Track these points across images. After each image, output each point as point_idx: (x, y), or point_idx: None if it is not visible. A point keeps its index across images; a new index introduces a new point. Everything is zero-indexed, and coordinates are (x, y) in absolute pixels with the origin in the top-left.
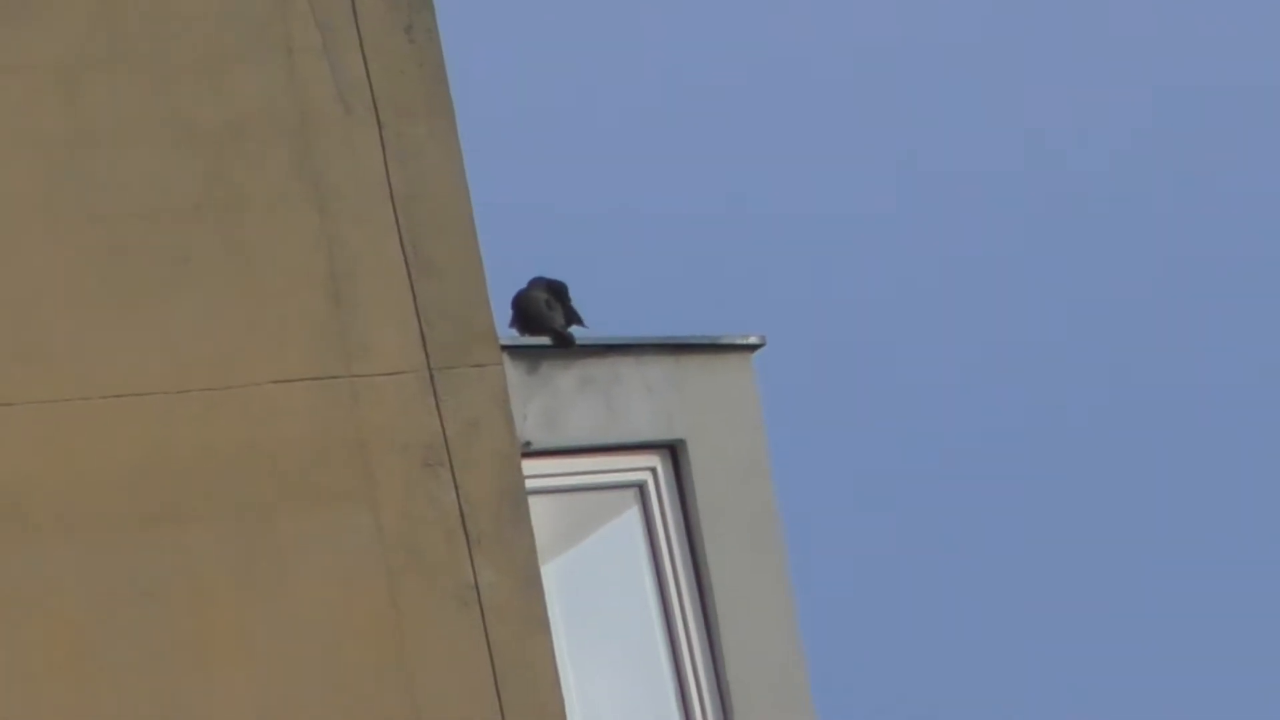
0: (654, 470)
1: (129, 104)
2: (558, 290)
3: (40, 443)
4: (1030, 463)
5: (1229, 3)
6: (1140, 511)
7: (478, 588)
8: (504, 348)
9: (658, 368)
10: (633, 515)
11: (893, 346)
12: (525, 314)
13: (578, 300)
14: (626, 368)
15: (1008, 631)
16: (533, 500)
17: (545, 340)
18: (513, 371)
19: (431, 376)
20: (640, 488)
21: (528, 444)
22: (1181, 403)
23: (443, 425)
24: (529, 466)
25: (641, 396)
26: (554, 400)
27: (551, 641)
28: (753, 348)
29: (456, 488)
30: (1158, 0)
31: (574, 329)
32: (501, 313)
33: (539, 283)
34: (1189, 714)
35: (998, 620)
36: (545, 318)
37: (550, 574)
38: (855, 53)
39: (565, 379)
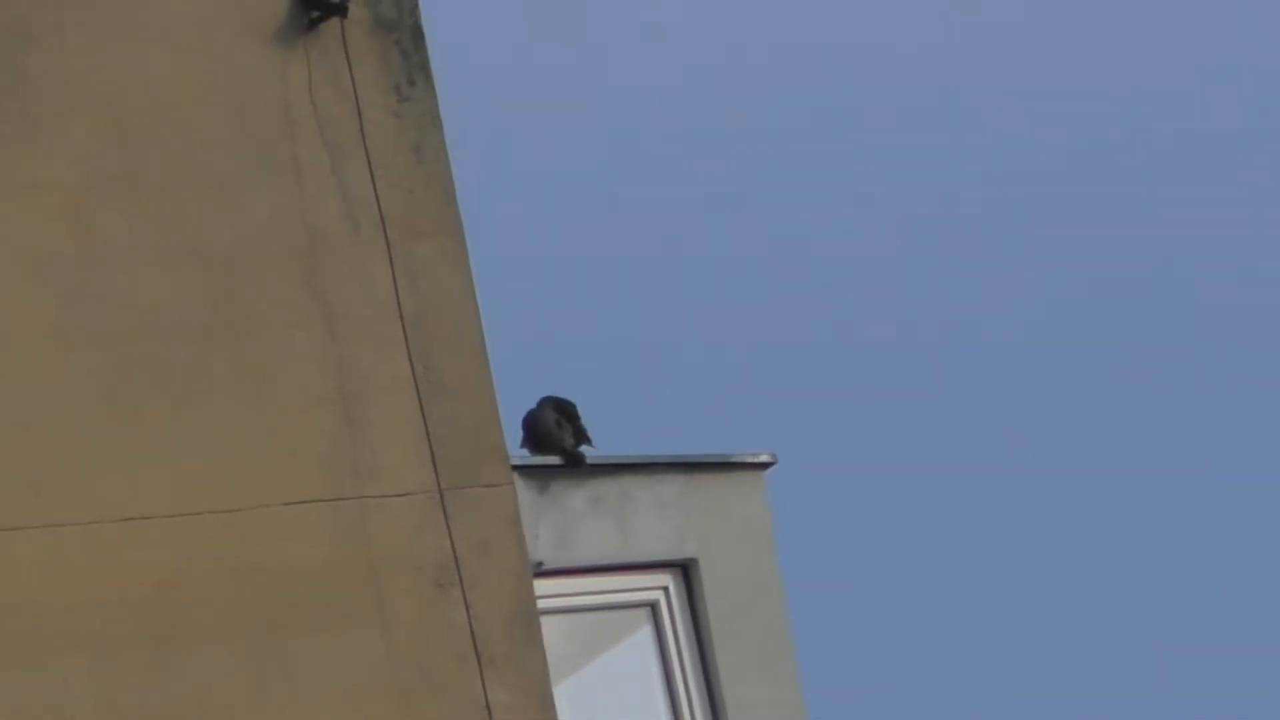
0: (666, 589)
1: (139, 225)
2: (567, 410)
3: (51, 566)
4: (1042, 563)
5: None
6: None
7: (490, 708)
8: (515, 467)
9: (669, 486)
10: (645, 634)
11: (903, 463)
12: (535, 434)
13: (587, 419)
14: (638, 487)
15: None
16: (545, 620)
17: (556, 460)
18: (524, 491)
19: (442, 497)
20: (652, 607)
21: (539, 564)
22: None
23: (453, 545)
24: (540, 586)
25: (653, 515)
26: (565, 520)
27: None
28: (764, 465)
29: (468, 608)
30: None
31: (583, 448)
32: (512, 432)
33: (548, 402)
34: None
35: None
36: (555, 437)
37: (563, 693)
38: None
39: (576, 498)
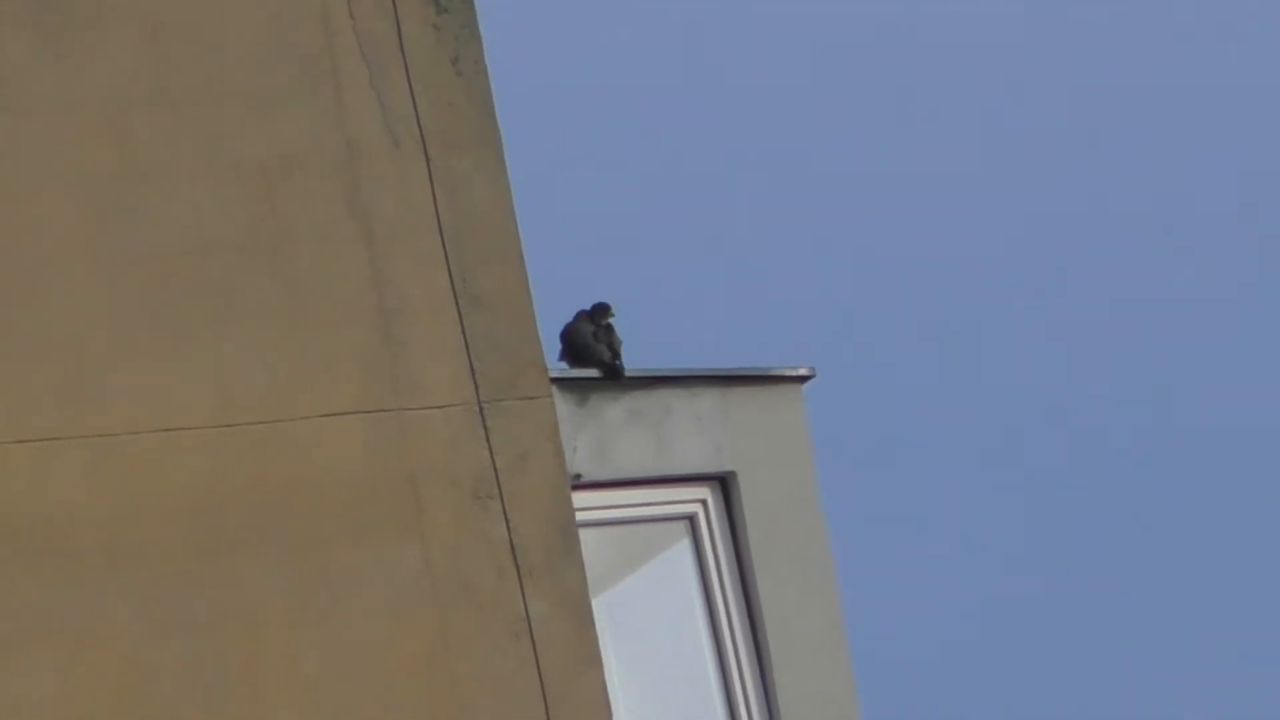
0: (704, 502)
1: (178, 141)
2: (600, 310)
3: (90, 477)
4: (1087, 490)
5: None
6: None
7: (529, 620)
8: (553, 380)
9: (707, 399)
10: (684, 547)
11: (941, 375)
12: (573, 346)
13: (624, 330)
14: (676, 400)
15: (1065, 660)
16: (583, 532)
17: (594, 372)
18: (562, 404)
19: (481, 409)
20: (691, 519)
21: (578, 476)
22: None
23: (493, 458)
24: (579, 499)
25: (691, 428)
26: (604, 432)
27: (603, 673)
28: (803, 379)
29: (507, 520)
30: None
31: (618, 361)
32: (550, 345)
33: (585, 315)
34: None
35: (1051, 648)
36: (593, 350)
37: (601, 606)
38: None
39: (615, 411)
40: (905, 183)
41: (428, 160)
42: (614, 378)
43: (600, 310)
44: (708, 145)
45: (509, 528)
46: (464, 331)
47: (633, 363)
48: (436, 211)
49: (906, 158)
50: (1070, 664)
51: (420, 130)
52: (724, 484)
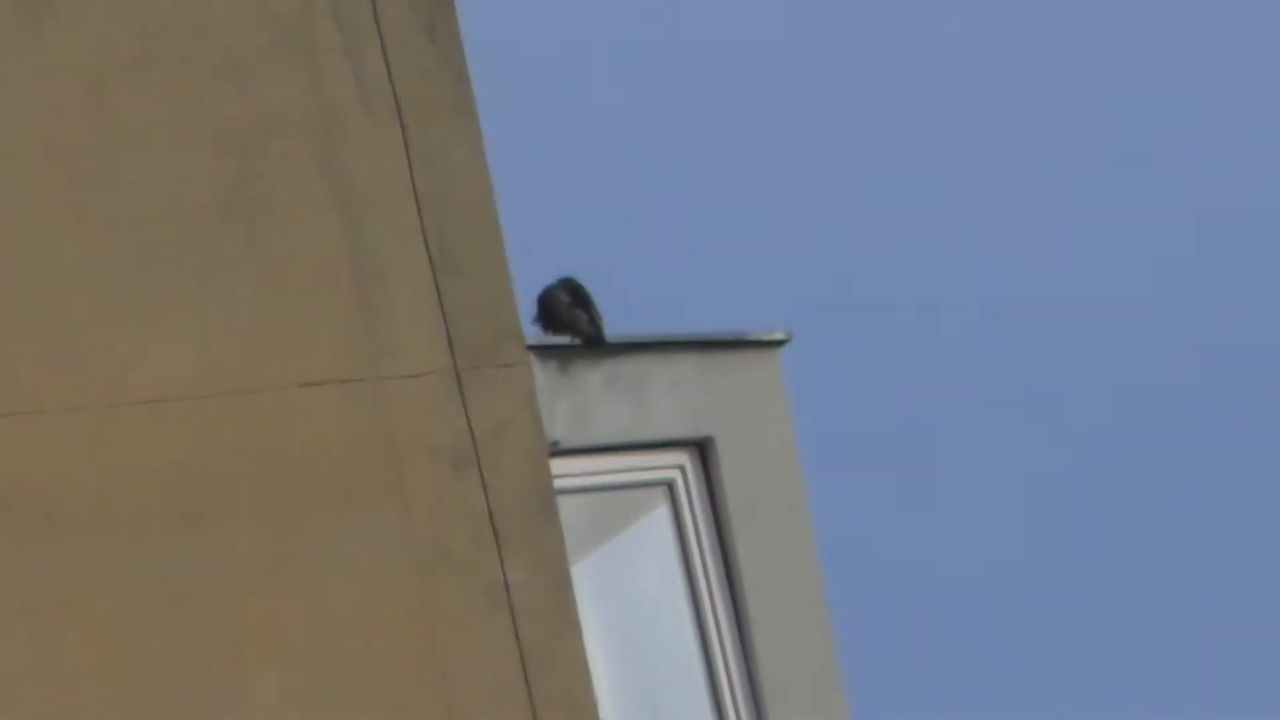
0: (683, 468)
1: (155, 106)
2: (580, 295)
3: (72, 448)
4: (1061, 459)
5: None
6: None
7: (508, 588)
8: (530, 347)
9: (685, 365)
10: (662, 513)
11: (920, 342)
12: (550, 311)
13: (599, 302)
14: (653, 365)
15: (1040, 626)
16: (562, 500)
17: (571, 339)
18: (540, 371)
19: (458, 377)
20: (669, 485)
21: (556, 443)
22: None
23: (470, 426)
24: (557, 466)
25: (669, 394)
26: (582, 399)
27: (582, 640)
28: (779, 343)
29: (485, 488)
30: None
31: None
32: (527, 312)
33: (565, 282)
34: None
35: (1027, 614)
36: (569, 315)
37: (580, 573)
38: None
39: (593, 378)
40: (886, 142)
41: (403, 128)
42: (592, 344)
43: (582, 297)
44: (685, 109)
45: (487, 495)
46: (441, 299)
47: (609, 329)
48: (412, 179)
49: (892, 118)
50: (1055, 621)
51: (395, 98)
52: (702, 449)
